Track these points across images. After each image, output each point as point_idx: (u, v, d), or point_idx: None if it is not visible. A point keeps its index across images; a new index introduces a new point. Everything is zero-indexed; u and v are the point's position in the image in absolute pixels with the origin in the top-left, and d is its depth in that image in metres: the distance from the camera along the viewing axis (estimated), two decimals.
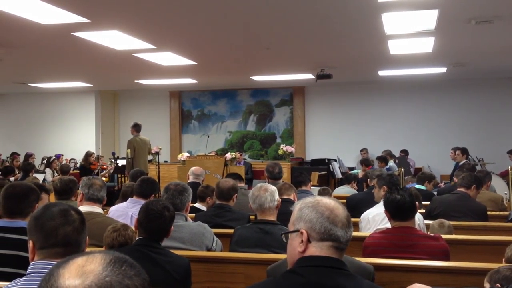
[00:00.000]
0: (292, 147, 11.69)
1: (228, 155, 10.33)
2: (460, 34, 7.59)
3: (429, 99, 13.27)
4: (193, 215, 4.59)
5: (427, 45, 8.23)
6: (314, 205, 1.95)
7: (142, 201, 4.21)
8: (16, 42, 7.83)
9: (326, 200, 1.98)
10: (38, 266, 2.01)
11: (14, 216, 3.04)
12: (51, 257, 2.03)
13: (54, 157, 11.67)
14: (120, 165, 10.38)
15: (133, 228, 3.21)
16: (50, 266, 1.92)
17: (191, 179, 6.56)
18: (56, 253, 2.03)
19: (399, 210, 3.34)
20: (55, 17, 6.22)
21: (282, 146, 11.71)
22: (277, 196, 3.70)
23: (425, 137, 13.18)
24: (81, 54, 8.80)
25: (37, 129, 15.07)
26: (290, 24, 6.95)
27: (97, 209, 3.98)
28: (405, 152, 12.36)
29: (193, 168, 6.83)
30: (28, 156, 11.68)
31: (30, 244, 2.07)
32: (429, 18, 6.58)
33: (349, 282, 1.83)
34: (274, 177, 5.90)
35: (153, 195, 4.66)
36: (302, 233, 1.92)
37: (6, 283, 2.55)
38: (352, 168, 12.24)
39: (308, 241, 1.90)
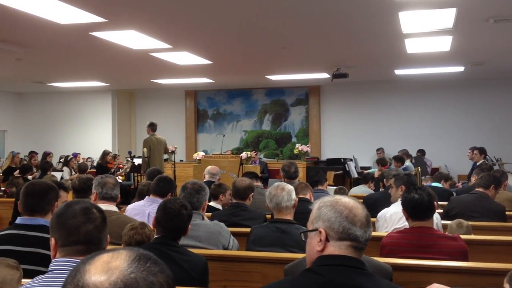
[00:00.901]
0: (308, 147, 11.67)
1: (244, 154, 10.34)
2: (478, 32, 7.51)
3: (447, 98, 13.15)
4: (209, 214, 4.60)
5: (444, 44, 8.16)
6: (332, 204, 1.94)
7: (159, 200, 4.23)
8: (34, 41, 7.92)
9: (345, 199, 1.97)
10: (60, 263, 2.03)
11: (34, 214, 3.07)
12: (73, 255, 2.05)
13: (71, 156, 11.78)
14: (136, 164, 10.44)
15: (151, 227, 3.23)
16: (72, 264, 1.97)
17: (207, 178, 6.57)
18: (78, 251, 2.05)
19: (417, 210, 3.32)
20: (73, 17, 6.28)
21: (297, 145, 11.70)
22: (294, 195, 3.69)
23: (442, 137, 13.07)
24: (98, 53, 8.87)
25: (54, 128, 15.23)
26: (307, 23, 6.93)
27: (112, 207, 4.00)
28: (421, 152, 12.26)
29: (209, 167, 6.85)
30: (46, 154, 11.80)
31: (52, 241, 2.09)
32: (447, 16, 6.52)
33: (368, 282, 1.82)
34: (290, 177, 5.89)
35: (170, 193, 4.67)
36: (320, 232, 1.91)
37: (27, 280, 2.59)
38: (367, 168, 12.17)
39: (327, 240, 1.89)
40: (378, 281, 1.86)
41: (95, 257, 1.02)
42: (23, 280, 2.62)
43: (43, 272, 2.23)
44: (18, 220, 3.09)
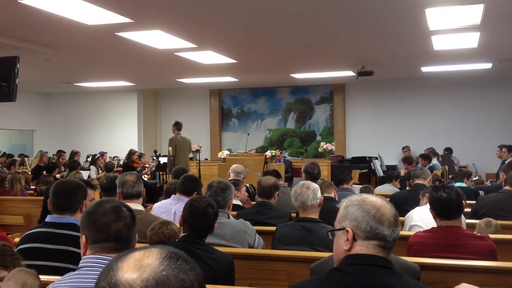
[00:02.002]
0: (332, 145, 11.61)
1: (268, 153, 10.34)
2: (506, 29, 7.38)
3: (474, 96, 12.95)
4: (234, 212, 4.61)
5: (472, 40, 8.04)
6: (360, 203, 1.92)
7: (185, 198, 4.26)
8: (62, 42, 8.05)
9: (372, 198, 1.95)
10: (90, 260, 2.06)
11: (63, 212, 3.11)
12: (103, 252, 2.08)
13: (98, 155, 11.95)
14: (161, 162, 10.53)
15: (177, 225, 3.25)
16: (102, 261, 2.00)
17: (232, 176, 6.58)
18: (108, 248, 2.08)
19: (445, 209, 3.28)
20: (100, 17, 6.37)
21: (322, 144, 11.64)
22: (319, 194, 3.68)
23: (469, 135, 12.87)
24: (124, 53, 8.97)
25: (81, 127, 15.46)
26: (331, 21, 6.90)
27: (137, 206, 3.94)
28: (449, 150, 12.09)
29: (234, 165, 6.87)
30: (74, 154, 11.98)
31: (83, 238, 2.13)
32: (475, 13, 6.42)
33: (396, 282, 1.80)
34: (314, 178, 5.84)
35: (195, 192, 4.70)
36: (347, 231, 1.90)
37: (56, 277, 2.63)
38: (393, 166, 12.06)
39: (354, 239, 1.88)
40: (406, 280, 1.84)
41: (127, 255, 1.04)
42: (52, 277, 2.68)
43: (72, 270, 2.27)
44: (48, 218, 3.14)
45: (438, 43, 8.25)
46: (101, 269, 1.20)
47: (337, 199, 4.66)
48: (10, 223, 7.13)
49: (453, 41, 8.15)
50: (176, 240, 3.11)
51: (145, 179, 11.12)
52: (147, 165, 12.13)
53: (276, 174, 6.15)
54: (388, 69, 11.17)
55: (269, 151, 10.64)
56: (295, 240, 3.55)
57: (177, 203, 4.56)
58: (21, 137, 15.86)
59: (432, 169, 8.60)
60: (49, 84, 13.82)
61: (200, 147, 11.17)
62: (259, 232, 3.87)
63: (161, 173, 10.66)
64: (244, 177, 6.77)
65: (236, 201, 5.16)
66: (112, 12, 6.14)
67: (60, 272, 2.74)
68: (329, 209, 4.00)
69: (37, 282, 2.41)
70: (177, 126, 10.40)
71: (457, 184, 6.53)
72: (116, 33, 7.26)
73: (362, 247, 1.87)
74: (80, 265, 2.08)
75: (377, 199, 1.95)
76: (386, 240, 1.86)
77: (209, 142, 14.92)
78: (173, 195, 4.78)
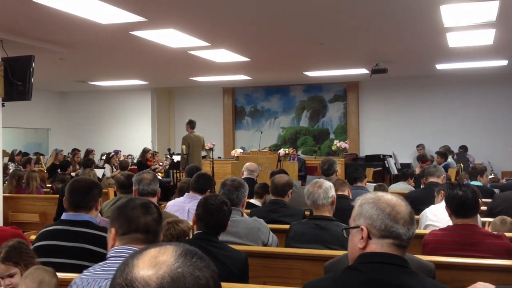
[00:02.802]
0: (346, 143, 11.57)
1: (281, 151, 10.33)
2: None
3: (489, 93, 12.81)
4: (248, 210, 4.62)
5: (487, 37, 7.96)
6: (375, 201, 1.91)
7: (198, 196, 4.27)
8: (77, 42, 8.11)
9: (387, 196, 1.94)
10: (119, 250, 2.15)
11: (79, 210, 3.14)
12: (132, 243, 2.18)
13: (113, 153, 12.03)
14: (175, 161, 10.57)
15: (188, 223, 3.26)
16: (130, 251, 2.05)
17: (245, 175, 6.59)
18: (137, 239, 2.18)
19: (461, 207, 3.25)
20: (114, 17, 6.40)
21: (335, 142, 11.61)
22: (332, 193, 3.66)
23: (484, 133, 12.73)
24: (138, 52, 9.02)
25: (96, 126, 15.56)
26: (345, 19, 6.87)
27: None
28: (464, 148, 12.00)
29: (247, 164, 6.87)
30: (89, 152, 12.08)
31: (112, 231, 2.22)
32: (490, 9, 6.35)
33: (411, 280, 1.79)
34: (325, 174, 5.88)
35: (209, 190, 4.71)
36: (362, 229, 1.89)
37: (72, 274, 2.66)
38: (407, 165, 11.98)
39: (369, 237, 1.87)
40: (421, 279, 1.83)
41: (143, 252, 1.05)
42: (68, 275, 2.71)
43: (87, 267, 2.31)
44: (64, 216, 3.18)
45: (453, 40, 8.18)
46: None
47: (351, 197, 4.65)
48: (26, 220, 7.23)
49: (468, 38, 8.08)
50: (188, 238, 3.12)
51: (159, 177, 11.17)
52: (160, 163, 12.19)
53: (284, 173, 6.14)
54: (403, 66, 11.10)
55: (283, 149, 10.63)
56: (309, 238, 3.55)
57: (191, 201, 4.58)
58: (36, 135, 16.01)
59: (447, 167, 8.53)
60: (64, 83, 13.93)
61: (214, 145, 11.19)
62: (273, 230, 3.87)
63: (174, 171, 10.70)
64: (258, 175, 6.79)
65: (257, 202, 5.17)
66: (126, 11, 6.16)
67: (76, 269, 2.77)
68: (342, 207, 3.99)
69: (54, 280, 2.44)
70: (191, 124, 10.43)
71: (473, 183, 6.47)
72: (130, 32, 7.30)
73: (377, 246, 1.86)
74: (108, 255, 2.17)
75: (392, 197, 1.94)
76: (401, 239, 1.85)
77: (222, 140, 14.94)
78: (186, 193, 4.80)
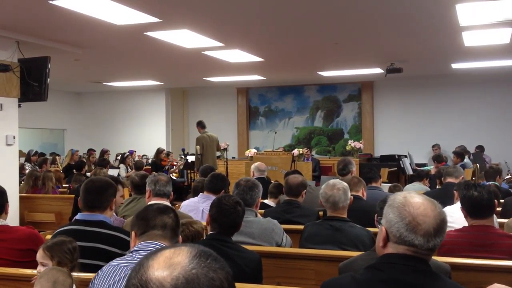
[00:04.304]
0: (361, 143, 11.51)
1: (296, 151, 10.31)
2: None
3: (505, 93, 12.67)
4: (262, 211, 4.61)
5: (504, 36, 7.87)
6: (399, 206, 1.85)
7: (213, 197, 4.28)
8: (92, 43, 8.17)
9: (416, 203, 1.85)
10: (141, 245, 2.27)
11: (93, 210, 3.17)
12: (151, 240, 2.28)
13: (127, 153, 12.10)
14: (189, 161, 10.61)
15: (202, 223, 3.27)
16: (152, 245, 2.20)
17: (257, 175, 6.58)
18: (156, 235, 2.28)
19: (476, 208, 3.21)
20: (129, 17, 6.43)
21: (350, 142, 11.57)
22: (349, 194, 3.66)
23: (501, 132, 12.59)
24: (152, 53, 9.06)
25: (111, 126, 15.66)
26: (360, 18, 6.84)
27: (166, 203, 4.06)
28: (480, 148, 11.87)
29: (257, 163, 6.87)
30: (104, 152, 12.17)
31: (133, 234, 2.34)
32: (507, 7, 6.27)
33: (432, 282, 1.78)
34: (340, 174, 5.87)
35: (223, 190, 4.72)
36: (382, 230, 1.90)
37: (87, 274, 2.69)
38: (423, 165, 11.89)
39: (388, 239, 1.87)
40: (443, 280, 1.81)
41: (158, 253, 1.06)
42: (83, 274, 2.72)
43: (101, 266, 2.33)
44: (78, 216, 3.21)
45: (469, 39, 8.10)
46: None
47: (365, 197, 4.62)
48: (42, 220, 7.30)
49: (484, 37, 7.99)
50: (202, 238, 3.13)
51: (173, 177, 11.21)
52: (175, 164, 12.24)
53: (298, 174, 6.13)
54: (418, 66, 11.01)
55: (297, 149, 10.61)
56: (323, 239, 3.53)
57: (205, 201, 4.59)
58: (52, 136, 16.16)
59: (463, 167, 8.44)
60: (79, 84, 14.04)
61: (228, 145, 11.20)
62: (287, 231, 3.86)
63: (189, 171, 10.73)
64: (267, 175, 6.79)
65: (271, 203, 5.16)
66: (141, 12, 6.19)
67: (90, 269, 2.79)
68: (356, 208, 3.98)
69: (69, 280, 2.46)
70: (201, 124, 10.45)
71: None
72: (145, 33, 7.33)
73: (393, 249, 1.85)
74: (133, 249, 2.29)
75: (422, 204, 1.84)
76: (417, 248, 1.81)
77: (236, 140, 14.95)
78: (200, 193, 4.82)
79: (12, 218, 6.17)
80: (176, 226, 2.36)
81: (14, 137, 7.26)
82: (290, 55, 9.61)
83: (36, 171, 8.68)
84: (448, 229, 3.90)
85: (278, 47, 8.81)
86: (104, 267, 2.27)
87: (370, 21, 7.02)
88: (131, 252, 2.28)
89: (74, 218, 3.30)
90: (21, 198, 7.38)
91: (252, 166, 6.86)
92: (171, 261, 1.02)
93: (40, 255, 2.69)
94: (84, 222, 3.14)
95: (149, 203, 3.14)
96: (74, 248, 2.75)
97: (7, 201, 3.48)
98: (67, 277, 2.46)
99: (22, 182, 8.01)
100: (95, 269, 2.44)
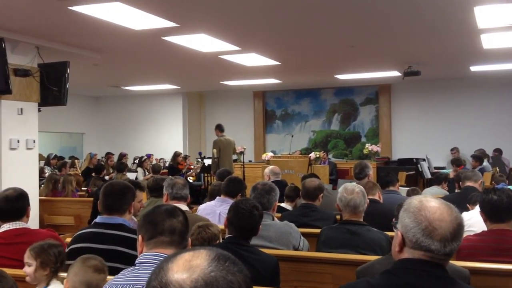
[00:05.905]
0: (378, 146, 11.46)
1: (312, 155, 10.30)
2: None
3: None
4: (279, 214, 4.62)
5: None
6: (415, 211, 1.83)
7: (230, 200, 4.30)
8: (110, 47, 8.26)
9: (433, 207, 1.82)
10: (146, 257, 2.19)
11: (113, 213, 3.20)
12: (158, 247, 2.20)
13: (145, 157, 12.17)
14: (206, 164, 10.64)
15: (222, 226, 3.28)
16: (157, 257, 2.12)
17: (272, 178, 6.59)
18: (163, 242, 2.21)
19: (495, 212, 3.18)
20: (147, 23, 6.49)
21: (367, 145, 11.53)
22: (366, 196, 3.66)
23: None
24: (170, 57, 9.12)
25: (129, 130, 15.79)
26: (376, 20, 6.81)
27: (183, 207, 4.06)
28: (499, 151, 11.73)
29: (271, 167, 6.87)
30: (122, 156, 12.27)
31: (140, 238, 2.27)
32: None
33: (448, 287, 1.77)
34: (357, 177, 5.85)
35: (240, 194, 4.73)
36: (398, 234, 1.88)
37: (109, 276, 2.71)
38: (441, 168, 11.78)
39: (404, 243, 1.86)
40: (458, 285, 1.80)
41: (177, 256, 1.08)
42: (109, 276, 2.75)
43: (121, 269, 2.35)
44: (98, 219, 3.24)
45: (488, 42, 8.02)
46: (155, 265, 1.27)
47: (381, 200, 4.60)
48: (61, 223, 7.39)
49: (503, 40, 7.91)
50: (218, 241, 3.15)
51: (191, 180, 11.27)
52: (192, 167, 12.29)
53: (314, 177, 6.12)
54: (436, 68, 10.93)
55: (313, 152, 10.59)
56: (340, 243, 3.53)
57: (222, 204, 4.61)
58: (71, 139, 16.34)
59: (482, 171, 8.35)
60: (98, 88, 14.20)
61: (244, 149, 11.23)
62: (304, 234, 3.86)
63: (206, 174, 10.77)
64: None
65: (288, 206, 5.16)
66: (158, 17, 6.25)
67: (110, 271, 2.82)
68: (373, 212, 3.97)
69: (102, 277, 2.52)
70: (219, 128, 10.49)
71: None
72: (162, 38, 7.39)
73: (408, 254, 1.84)
74: (137, 261, 2.21)
75: (439, 208, 1.82)
76: (433, 253, 1.79)
77: (253, 144, 14.97)
78: (217, 197, 4.84)
79: (32, 221, 6.26)
80: (185, 230, 2.29)
81: (34, 141, 7.35)
82: (307, 58, 9.60)
83: (56, 174, 8.79)
84: (466, 233, 3.88)
85: (295, 50, 8.81)
86: (107, 285, 2.21)
87: (387, 24, 6.99)
88: (135, 265, 2.20)
89: (93, 221, 3.34)
90: (40, 201, 7.48)
91: (266, 170, 6.86)
92: (191, 263, 1.04)
93: (26, 255, 2.78)
94: (103, 225, 3.17)
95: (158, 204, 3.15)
96: (60, 252, 2.83)
97: (28, 204, 3.54)
98: (99, 275, 2.51)
99: (42, 185, 8.11)
100: (114, 271, 2.46)
